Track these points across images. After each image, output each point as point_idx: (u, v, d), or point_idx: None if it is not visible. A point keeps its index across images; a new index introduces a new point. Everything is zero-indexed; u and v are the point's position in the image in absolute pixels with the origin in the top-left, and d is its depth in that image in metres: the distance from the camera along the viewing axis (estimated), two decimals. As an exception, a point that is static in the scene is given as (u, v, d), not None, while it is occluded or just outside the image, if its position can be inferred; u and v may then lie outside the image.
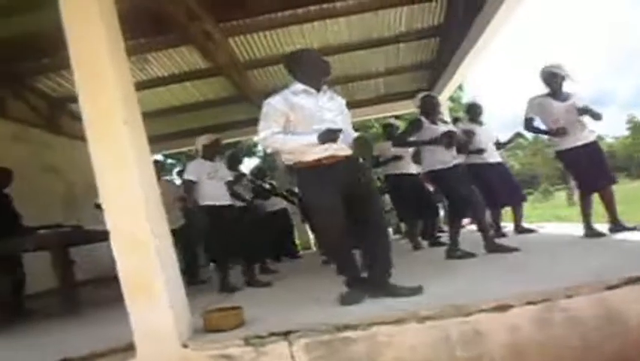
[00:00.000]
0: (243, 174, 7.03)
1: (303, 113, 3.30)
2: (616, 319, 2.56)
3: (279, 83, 9.30)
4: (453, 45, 8.02)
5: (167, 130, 10.46)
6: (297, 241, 9.91)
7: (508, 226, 6.45)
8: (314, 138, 3.20)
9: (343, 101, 3.65)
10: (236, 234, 5.05)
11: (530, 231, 6.05)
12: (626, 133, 62.51)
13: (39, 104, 8.44)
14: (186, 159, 17.95)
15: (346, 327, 2.63)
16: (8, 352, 3.58)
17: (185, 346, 2.79)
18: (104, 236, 2.92)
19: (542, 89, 5.05)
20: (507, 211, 6.60)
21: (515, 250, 4.50)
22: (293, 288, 4.61)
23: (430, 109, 5.11)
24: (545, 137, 5.56)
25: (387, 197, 7.76)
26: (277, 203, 7.79)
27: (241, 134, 11.34)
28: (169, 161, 18.49)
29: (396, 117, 9.66)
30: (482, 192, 5.03)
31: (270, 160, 15.34)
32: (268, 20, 7.03)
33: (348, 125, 3.58)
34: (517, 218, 6.21)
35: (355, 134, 3.41)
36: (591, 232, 4.71)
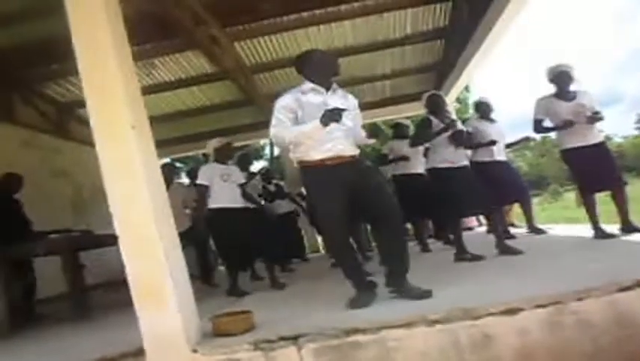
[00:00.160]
0: (254, 174, 7.03)
1: (311, 111, 3.30)
2: (628, 322, 2.54)
3: (285, 87, 9.32)
4: (458, 47, 8.02)
5: (174, 134, 10.52)
6: (306, 244, 9.89)
7: (521, 225, 6.42)
8: (317, 122, 3.18)
9: (355, 101, 3.64)
10: (251, 236, 5.03)
11: (541, 231, 6.01)
12: (635, 132, 62.08)
13: (48, 110, 8.52)
14: (193, 162, 18.03)
15: (355, 331, 2.62)
16: (19, 357, 3.60)
17: (194, 351, 2.78)
18: (113, 240, 2.93)
19: (549, 89, 5.02)
20: (519, 214, 6.56)
21: (520, 252, 4.48)
22: (302, 292, 4.60)
23: (436, 108, 5.11)
24: (554, 137, 5.53)
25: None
26: (284, 206, 7.78)
27: (248, 137, 11.39)
28: (176, 164, 18.55)
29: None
30: (489, 189, 4.97)
31: (277, 163, 15.36)
32: (274, 24, 7.07)
33: (359, 125, 3.58)
34: (528, 218, 6.15)
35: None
36: (601, 234, 4.67)
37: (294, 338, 2.66)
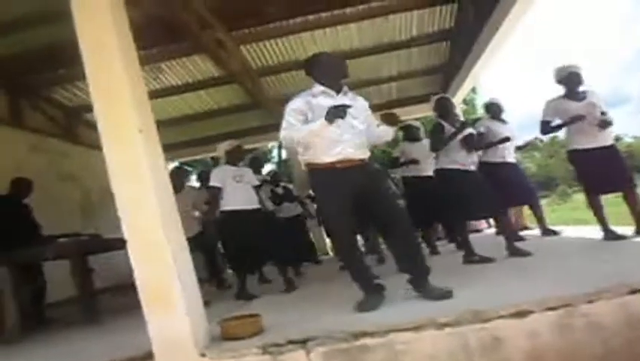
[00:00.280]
0: (266, 181, 7.04)
1: (321, 113, 3.28)
2: (639, 323, 2.51)
3: (292, 90, 9.34)
4: (464, 48, 7.99)
5: (181, 138, 10.55)
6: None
7: (533, 228, 6.38)
8: (323, 120, 3.18)
9: (366, 103, 3.63)
10: (263, 239, 5.02)
11: (554, 233, 5.96)
12: (645, 132, 61.52)
13: (56, 115, 8.56)
14: (201, 166, 18.08)
15: (364, 334, 2.61)
16: (29, 360, 3.62)
17: (202, 354, 2.78)
18: (121, 244, 2.94)
19: (556, 90, 4.99)
20: (530, 215, 6.52)
21: (529, 254, 4.45)
22: (311, 294, 4.59)
23: (445, 111, 5.08)
24: (562, 137, 5.50)
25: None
26: (293, 209, 7.77)
27: (255, 140, 11.39)
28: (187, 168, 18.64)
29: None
30: (497, 191, 4.92)
31: (284, 166, 15.38)
32: (279, 28, 7.07)
33: (373, 124, 3.57)
34: (539, 219, 6.10)
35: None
36: (611, 235, 4.62)
37: (303, 342, 2.65)
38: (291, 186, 8.02)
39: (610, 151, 4.77)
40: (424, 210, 5.82)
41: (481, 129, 5.76)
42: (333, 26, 7.29)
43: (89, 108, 3.06)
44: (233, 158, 5.39)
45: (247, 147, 11.12)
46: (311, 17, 6.94)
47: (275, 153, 21.45)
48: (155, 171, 3.03)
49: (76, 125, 8.97)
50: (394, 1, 6.93)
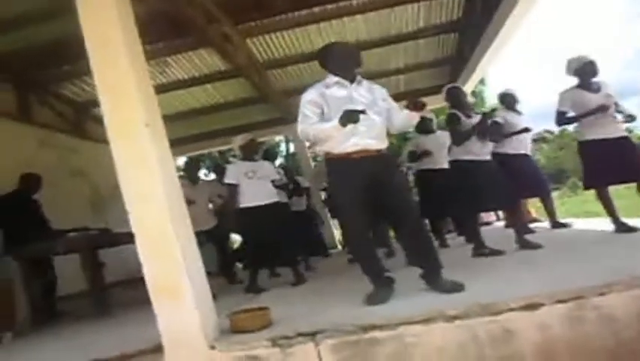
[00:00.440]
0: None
1: (335, 105, 3.28)
2: (651, 316, 2.49)
3: (298, 83, 9.34)
4: (473, 40, 7.95)
5: (188, 132, 10.55)
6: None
7: (543, 220, 6.34)
8: (336, 122, 3.17)
9: (383, 90, 3.56)
10: (276, 236, 5.00)
11: (564, 225, 5.92)
12: (656, 124, 60.86)
13: (64, 110, 8.59)
14: (209, 160, 18.12)
15: (373, 327, 2.61)
16: (40, 353, 3.65)
17: (211, 347, 2.79)
18: (131, 238, 2.94)
19: (568, 82, 4.93)
20: (540, 208, 6.48)
21: (540, 246, 4.42)
22: (320, 288, 4.58)
23: (456, 101, 5.03)
24: (572, 129, 5.44)
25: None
26: (302, 202, 7.76)
27: (262, 134, 11.31)
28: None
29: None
30: (510, 182, 4.86)
31: (292, 160, 15.36)
32: (285, 20, 7.04)
33: (395, 110, 3.51)
34: (550, 212, 6.05)
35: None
36: (622, 227, 4.58)
37: (312, 335, 2.65)
38: (300, 179, 8.02)
39: (624, 142, 4.72)
40: (435, 203, 5.77)
41: (498, 120, 5.69)
42: (340, 18, 7.24)
43: (97, 103, 3.05)
44: (248, 152, 5.37)
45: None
46: (317, 9, 6.91)
47: (283, 146, 21.42)
48: (163, 165, 3.02)
49: (85, 121, 9.00)
50: (401, -8, 6.91)
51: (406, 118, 3.48)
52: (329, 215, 9.79)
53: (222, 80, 8.87)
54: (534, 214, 7.10)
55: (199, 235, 5.36)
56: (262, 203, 5.10)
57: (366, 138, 3.28)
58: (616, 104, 4.71)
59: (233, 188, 5.14)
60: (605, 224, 4.91)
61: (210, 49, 7.43)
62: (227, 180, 5.23)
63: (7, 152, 6.64)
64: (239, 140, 5.40)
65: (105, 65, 3.00)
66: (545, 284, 2.80)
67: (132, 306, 4.96)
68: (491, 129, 4.73)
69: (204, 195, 6.37)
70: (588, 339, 2.48)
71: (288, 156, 19.48)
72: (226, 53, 7.31)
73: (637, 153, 4.77)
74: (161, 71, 7.87)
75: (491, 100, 17.95)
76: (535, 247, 4.43)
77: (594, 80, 4.83)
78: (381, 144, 3.38)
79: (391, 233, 5.38)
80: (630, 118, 4.72)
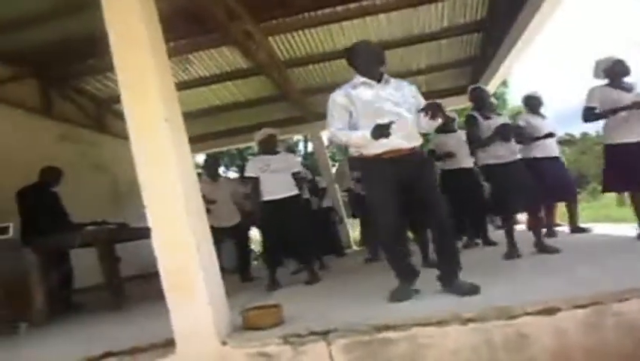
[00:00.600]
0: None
1: (362, 106, 3.28)
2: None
3: (318, 82, 9.33)
4: (497, 40, 7.84)
5: (208, 130, 10.60)
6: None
7: (563, 225, 6.23)
8: (368, 134, 3.17)
9: (412, 87, 3.51)
10: (290, 232, 4.98)
11: (584, 230, 5.81)
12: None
13: (86, 105, 8.70)
14: (227, 158, 18.20)
15: (386, 328, 2.58)
16: (55, 344, 3.69)
17: (223, 343, 2.79)
18: (148, 233, 2.96)
19: (594, 83, 4.82)
20: (563, 213, 6.37)
21: (558, 251, 4.34)
22: (334, 287, 4.57)
23: (479, 102, 4.97)
24: (593, 133, 5.33)
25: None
26: (319, 201, 7.75)
27: (282, 133, 11.32)
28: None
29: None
30: (538, 186, 4.79)
31: (311, 159, 15.36)
32: (308, 19, 7.02)
33: (429, 126, 3.43)
34: (572, 216, 5.95)
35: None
36: None
37: (324, 333, 2.64)
38: (318, 179, 8.01)
39: None
40: (454, 204, 5.70)
41: (521, 123, 5.60)
42: (362, 17, 7.21)
43: (118, 99, 3.08)
44: (265, 147, 5.39)
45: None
46: (339, 8, 6.89)
47: (301, 145, 21.42)
48: (181, 161, 3.04)
49: (106, 116, 9.12)
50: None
51: (425, 123, 3.41)
52: (345, 214, 9.78)
53: (243, 78, 8.90)
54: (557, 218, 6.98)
55: (220, 231, 5.45)
56: (276, 197, 5.10)
57: (397, 137, 3.24)
58: None
59: (254, 181, 5.19)
60: (627, 229, 4.82)
61: (232, 46, 7.45)
62: (246, 174, 5.31)
63: (30, 145, 6.77)
64: (258, 135, 5.46)
65: (128, 61, 3.02)
66: (563, 289, 2.75)
67: (147, 300, 4.99)
68: (506, 130, 4.64)
69: (225, 192, 6.43)
70: (606, 346, 2.42)
71: (307, 156, 19.46)
72: (248, 50, 7.33)
73: None
74: (183, 68, 7.92)
75: (513, 102, 17.74)
76: (553, 251, 4.36)
77: (625, 79, 4.72)
78: (413, 142, 3.34)
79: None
80: None
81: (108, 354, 2.93)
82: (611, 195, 4.76)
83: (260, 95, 9.78)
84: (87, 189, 7.45)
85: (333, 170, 11.48)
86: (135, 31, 3.01)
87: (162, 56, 3.19)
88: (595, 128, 5.43)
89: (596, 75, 4.87)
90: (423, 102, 3.42)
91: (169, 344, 2.85)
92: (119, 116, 7.15)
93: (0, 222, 4.82)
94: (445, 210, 3.30)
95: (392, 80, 3.46)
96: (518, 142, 4.85)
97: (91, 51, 6.38)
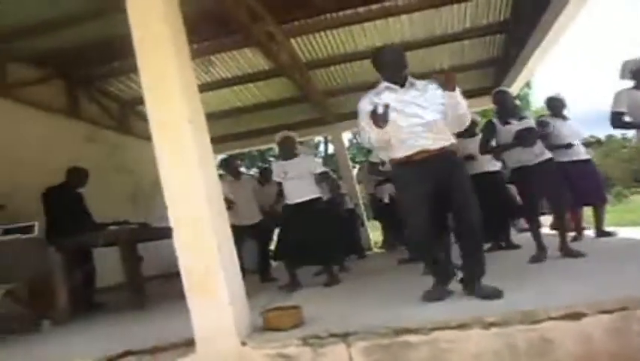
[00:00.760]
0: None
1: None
2: (701, 331, 2.36)
3: (340, 84, 9.32)
4: (520, 40, 7.74)
5: (229, 131, 10.65)
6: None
7: (589, 227, 6.13)
8: (375, 130, 3.19)
9: (439, 90, 3.33)
10: (308, 236, 4.92)
11: (610, 234, 5.69)
12: None
13: (111, 106, 8.82)
14: (248, 159, 18.30)
15: (407, 331, 2.56)
16: (77, 342, 3.74)
17: (243, 343, 2.80)
18: (170, 233, 2.98)
19: (621, 85, 4.72)
20: (589, 216, 6.25)
21: (583, 255, 4.27)
22: (353, 289, 4.56)
23: (502, 106, 4.90)
24: (619, 136, 5.21)
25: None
26: (342, 202, 7.73)
27: (302, 135, 11.27)
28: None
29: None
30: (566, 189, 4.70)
31: (331, 161, 15.36)
32: (329, 20, 7.02)
33: (453, 108, 3.26)
34: (598, 220, 5.82)
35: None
36: None
37: (344, 336, 2.63)
38: (340, 183, 7.99)
39: None
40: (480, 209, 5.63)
41: (549, 128, 5.48)
42: (384, 18, 7.19)
43: (141, 100, 3.12)
44: (283, 149, 5.42)
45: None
46: (361, 9, 6.87)
47: (321, 147, 21.44)
48: (203, 162, 3.06)
49: (129, 117, 9.22)
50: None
51: (465, 115, 3.34)
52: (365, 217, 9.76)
53: (265, 80, 8.93)
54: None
55: (241, 229, 5.48)
56: (294, 201, 5.14)
57: (424, 138, 3.23)
58: None
59: (278, 186, 5.34)
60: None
61: (254, 48, 7.48)
62: (273, 178, 5.44)
63: (56, 146, 6.88)
64: (277, 137, 5.48)
65: (152, 63, 3.06)
66: (588, 294, 2.70)
67: (167, 300, 5.03)
68: (523, 136, 4.55)
69: (247, 190, 6.46)
70: (632, 352, 2.37)
71: (327, 158, 19.47)
72: (269, 52, 7.34)
73: None
74: (205, 70, 7.97)
75: (537, 104, 17.52)
76: (578, 255, 4.29)
77: None
78: (443, 142, 3.30)
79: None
80: None
81: (128, 353, 2.96)
82: (637, 199, 4.61)
83: (281, 97, 9.80)
84: (110, 189, 7.54)
85: (354, 172, 11.47)
86: (159, 33, 3.05)
87: (185, 57, 3.22)
88: (620, 130, 5.22)
89: (623, 76, 4.76)
90: (452, 101, 3.29)
91: (189, 344, 2.87)
92: (143, 117, 7.24)
93: (26, 222, 4.91)
94: (476, 213, 3.25)
95: (418, 82, 3.42)
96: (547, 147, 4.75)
97: (115, 53, 6.48)
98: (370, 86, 3.54)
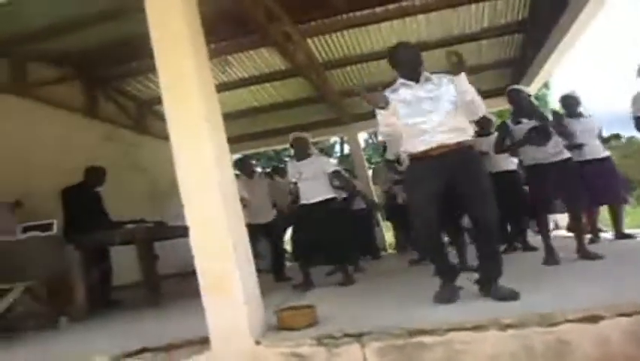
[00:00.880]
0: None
1: (402, 107, 3.29)
2: None
3: (357, 83, 9.28)
4: (539, 40, 7.65)
5: (246, 130, 10.67)
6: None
7: (607, 230, 6.03)
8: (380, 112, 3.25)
9: (456, 80, 3.26)
10: (323, 231, 4.91)
11: (629, 236, 5.59)
12: None
13: (128, 106, 8.91)
14: (264, 159, 18.33)
15: (421, 332, 2.54)
16: (94, 339, 3.78)
17: (257, 342, 2.80)
18: (186, 232, 3.00)
19: (638, 83, 4.65)
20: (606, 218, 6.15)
21: (601, 257, 4.21)
22: (369, 289, 4.54)
23: (516, 104, 4.85)
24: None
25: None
26: (357, 202, 7.71)
27: (318, 135, 11.23)
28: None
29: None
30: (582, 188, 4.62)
31: (346, 161, 15.31)
32: (346, 20, 7.01)
33: (466, 101, 3.23)
34: (616, 221, 5.71)
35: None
36: None
37: (358, 336, 2.62)
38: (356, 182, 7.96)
39: None
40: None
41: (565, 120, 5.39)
42: (401, 18, 7.16)
43: (159, 100, 3.15)
44: (296, 150, 5.44)
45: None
46: (378, 9, 6.85)
47: (337, 147, 21.41)
48: (220, 161, 3.07)
49: (147, 117, 9.30)
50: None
51: (478, 108, 3.30)
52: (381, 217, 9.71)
53: (281, 80, 8.95)
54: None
55: (254, 227, 5.50)
56: (309, 202, 5.13)
57: (439, 133, 3.22)
58: None
59: (294, 186, 5.39)
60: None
61: (271, 48, 7.49)
62: (289, 179, 5.54)
63: (74, 145, 6.96)
64: (290, 138, 5.53)
65: (170, 63, 3.09)
66: (606, 296, 2.66)
67: (184, 298, 5.07)
68: (532, 135, 4.49)
69: (262, 189, 6.49)
70: (652, 357, 2.33)
71: (343, 158, 19.44)
72: (286, 52, 7.35)
73: None
74: (222, 70, 8.00)
75: (555, 104, 17.32)
76: (595, 257, 4.23)
77: None
78: (459, 137, 3.26)
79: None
80: None
81: (144, 350, 2.98)
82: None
83: (297, 97, 9.80)
84: (127, 188, 7.60)
85: (370, 172, 11.42)
86: (177, 33, 3.07)
87: (203, 57, 3.25)
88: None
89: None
90: (467, 95, 3.24)
91: (204, 342, 2.89)
92: (160, 117, 7.30)
93: (46, 220, 4.98)
94: (493, 211, 3.19)
95: (434, 76, 3.41)
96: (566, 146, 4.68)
97: (133, 53, 6.54)
98: (386, 85, 3.52)
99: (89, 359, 2.98)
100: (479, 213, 3.20)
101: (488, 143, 5.92)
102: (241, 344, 2.80)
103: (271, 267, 6.59)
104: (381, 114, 3.25)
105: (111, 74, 8.09)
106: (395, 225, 8.76)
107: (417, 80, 3.36)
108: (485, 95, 9.56)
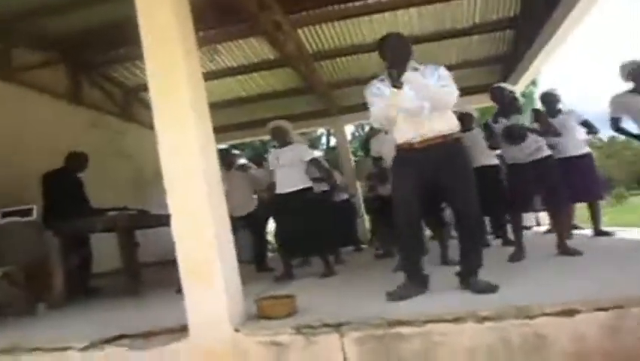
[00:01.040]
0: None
1: (388, 98, 3.27)
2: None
3: (345, 76, 9.28)
4: (529, 37, 7.67)
5: (233, 120, 10.59)
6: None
7: (583, 227, 6.08)
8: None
9: (438, 72, 3.40)
10: (301, 226, 4.88)
11: (608, 233, 5.65)
12: None
13: (114, 93, 8.81)
14: (250, 149, 18.23)
15: (400, 323, 2.55)
16: (72, 326, 3.75)
17: (236, 330, 2.80)
18: (167, 221, 2.98)
19: (623, 85, 4.69)
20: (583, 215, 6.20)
21: (580, 253, 4.25)
22: (348, 280, 4.55)
23: (497, 102, 4.84)
24: (623, 137, 5.15)
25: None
26: (338, 193, 7.70)
27: (305, 125, 11.18)
28: (234, 151, 18.82)
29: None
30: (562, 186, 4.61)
31: (332, 154, 15.30)
32: (338, 11, 6.97)
33: (440, 89, 3.29)
34: (595, 219, 5.74)
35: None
36: None
37: (337, 326, 2.62)
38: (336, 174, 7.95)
39: None
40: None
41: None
42: (393, 11, 7.15)
43: (145, 87, 3.11)
44: (275, 139, 5.45)
45: (297, 131, 11.17)
46: (370, 1, 6.82)
47: (323, 140, 21.37)
48: (205, 150, 3.05)
49: (133, 104, 9.21)
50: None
51: (445, 97, 3.30)
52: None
53: (269, 70, 8.90)
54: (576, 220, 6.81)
55: (235, 220, 5.47)
56: (284, 191, 5.08)
57: (422, 126, 3.23)
58: None
59: (272, 174, 5.31)
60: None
61: (260, 37, 7.44)
62: (269, 167, 5.45)
63: (59, 130, 6.87)
64: (268, 126, 5.49)
65: (157, 50, 3.05)
66: (584, 291, 2.68)
67: (163, 287, 5.04)
68: (510, 133, 4.50)
69: (240, 181, 6.38)
70: (628, 352, 2.35)
71: (329, 150, 19.42)
72: (276, 41, 7.30)
73: None
74: (210, 58, 7.93)
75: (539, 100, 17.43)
76: (575, 253, 4.27)
77: None
78: (447, 129, 3.28)
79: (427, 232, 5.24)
80: None
81: (122, 336, 2.97)
82: (635, 201, 4.57)
83: (286, 87, 9.77)
84: (111, 175, 7.55)
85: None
86: (165, 20, 3.04)
87: (191, 45, 3.21)
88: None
89: (623, 77, 4.71)
90: (443, 82, 3.34)
91: (183, 330, 2.88)
92: (146, 104, 7.22)
93: (26, 205, 4.92)
94: (475, 205, 3.22)
95: (421, 67, 3.41)
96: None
97: (120, 39, 6.45)
98: (375, 77, 3.53)
99: (66, 345, 2.96)
100: (461, 206, 3.23)
101: (468, 138, 5.93)
102: (220, 332, 2.79)
103: (253, 257, 6.56)
104: (387, 96, 3.24)
105: (97, 60, 8.00)
106: (373, 218, 8.76)
107: (404, 71, 3.33)
108: (474, 90, 9.69)
